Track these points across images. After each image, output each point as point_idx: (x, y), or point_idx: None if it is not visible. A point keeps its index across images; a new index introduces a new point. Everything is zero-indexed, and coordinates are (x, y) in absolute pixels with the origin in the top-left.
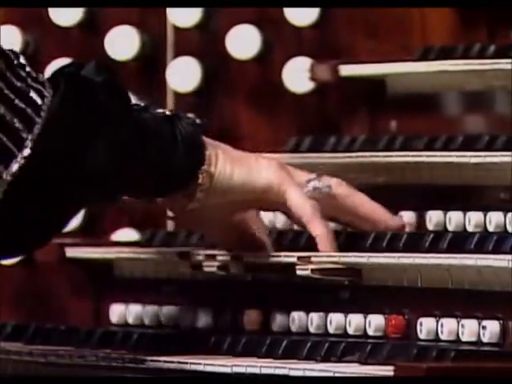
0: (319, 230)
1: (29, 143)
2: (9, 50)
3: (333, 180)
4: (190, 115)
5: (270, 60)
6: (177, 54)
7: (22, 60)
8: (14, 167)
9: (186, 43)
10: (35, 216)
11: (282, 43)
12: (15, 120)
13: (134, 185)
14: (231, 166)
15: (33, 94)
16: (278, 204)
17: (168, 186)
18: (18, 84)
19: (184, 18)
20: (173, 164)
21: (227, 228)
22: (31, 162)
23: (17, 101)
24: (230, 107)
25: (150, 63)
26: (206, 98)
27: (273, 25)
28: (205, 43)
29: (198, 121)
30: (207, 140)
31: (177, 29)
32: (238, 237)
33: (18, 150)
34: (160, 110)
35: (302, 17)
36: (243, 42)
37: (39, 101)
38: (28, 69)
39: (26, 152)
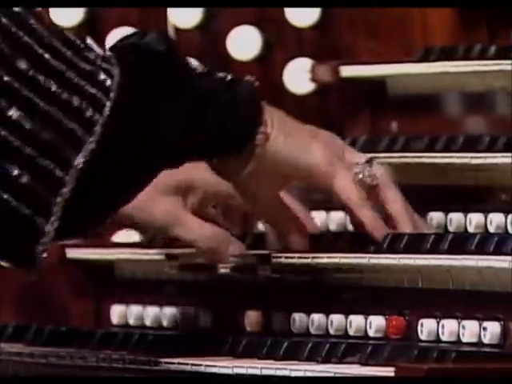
0: (366, 215)
1: (98, 127)
2: (74, 36)
3: (380, 170)
4: (249, 78)
5: (270, 61)
6: None
7: (89, 41)
8: (85, 151)
9: (187, 44)
10: (106, 195)
11: (282, 44)
12: (86, 107)
13: (197, 149)
14: (285, 134)
15: (102, 76)
16: (323, 185)
17: (228, 146)
18: (88, 68)
19: (184, 18)
20: (233, 126)
21: (269, 201)
22: (101, 144)
23: (87, 87)
24: None
25: None
26: None
27: (273, 26)
28: (205, 44)
29: (256, 83)
30: (264, 105)
31: (177, 30)
32: (278, 213)
33: (89, 135)
34: (221, 74)
35: (302, 18)
36: (244, 42)
37: (108, 81)
38: (96, 48)
39: (96, 136)
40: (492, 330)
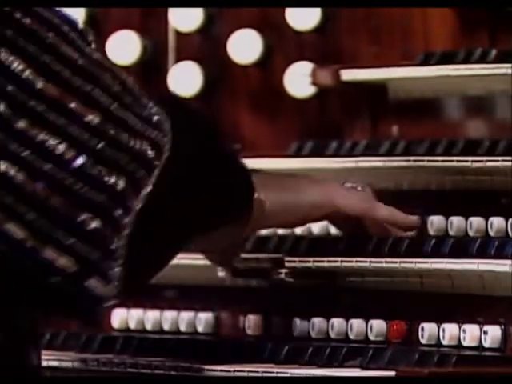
0: (385, 212)
1: (157, 170)
2: (130, 82)
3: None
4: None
5: (271, 65)
6: (178, 59)
7: (138, 90)
8: (144, 194)
9: (188, 48)
10: (164, 244)
11: (283, 48)
12: (146, 149)
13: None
14: (277, 192)
15: (157, 119)
16: (333, 213)
17: (228, 217)
18: (144, 113)
19: (185, 22)
20: (233, 197)
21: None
22: (158, 188)
23: (148, 131)
24: (231, 112)
25: (152, 68)
26: (208, 103)
27: (274, 29)
28: (206, 48)
29: (237, 150)
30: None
31: (178, 33)
32: None
33: (149, 177)
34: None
35: (303, 21)
36: (245, 46)
37: (165, 126)
38: (146, 97)
39: (155, 179)
40: (493, 333)
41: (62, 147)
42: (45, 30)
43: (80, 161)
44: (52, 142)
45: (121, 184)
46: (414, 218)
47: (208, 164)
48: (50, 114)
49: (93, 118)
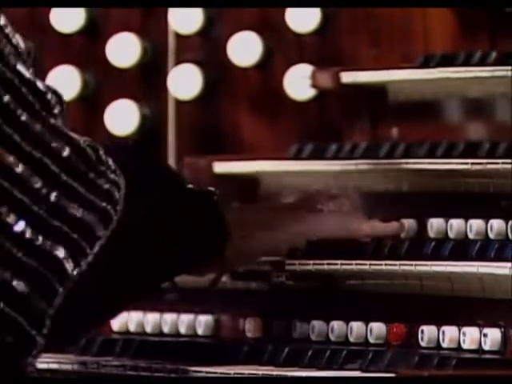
0: (365, 226)
1: (101, 241)
2: (88, 146)
3: (335, 201)
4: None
5: (271, 67)
6: (178, 61)
7: (102, 153)
8: (84, 264)
9: (188, 50)
10: (94, 309)
11: (283, 50)
12: (96, 221)
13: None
14: (255, 231)
15: (112, 189)
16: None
17: (204, 261)
18: (99, 181)
19: (185, 24)
20: (207, 242)
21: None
22: (98, 257)
23: (98, 202)
24: (231, 114)
25: (152, 70)
26: (208, 105)
27: (274, 32)
28: (206, 50)
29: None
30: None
31: (178, 35)
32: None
33: (90, 248)
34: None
35: (303, 24)
36: (245, 48)
37: (116, 194)
38: (106, 160)
39: (96, 249)
40: (492, 336)
41: (3, 210)
42: (3, 91)
43: (20, 226)
44: None
45: (59, 252)
46: (393, 225)
47: (172, 223)
48: None
49: (39, 185)
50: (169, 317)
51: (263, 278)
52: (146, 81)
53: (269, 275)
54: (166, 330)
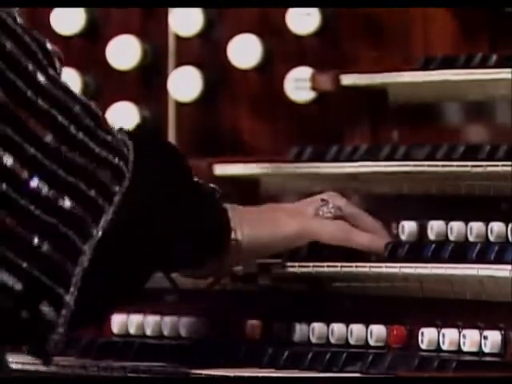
0: (363, 239)
1: (118, 197)
2: (93, 107)
3: (340, 201)
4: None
5: (271, 69)
6: (178, 64)
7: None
8: (104, 222)
9: (188, 52)
10: (122, 276)
11: (283, 52)
12: (108, 177)
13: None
14: (252, 225)
15: (122, 147)
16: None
17: (204, 257)
18: (108, 138)
19: (185, 26)
20: (208, 238)
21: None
22: (119, 215)
23: (109, 157)
24: (231, 116)
25: (152, 72)
26: (208, 108)
27: (274, 34)
28: (206, 52)
29: (214, 188)
30: (227, 211)
31: (178, 38)
32: None
33: (109, 204)
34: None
35: (303, 26)
36: (245, 51)
37: (128, 153)
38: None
39: (115, 206)
40: (493, 339)
41: (17, 167)
42: (4, 37)
43: (35, 182)
44: (7, 160)
45: (78, 210)
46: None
47: (177, 198)
48: (5, 128)
49: (49, 138)
50: (169, 319)
51: (250, 280)
52: (146, 83)
53: (255, 277)
54: (166, 332)
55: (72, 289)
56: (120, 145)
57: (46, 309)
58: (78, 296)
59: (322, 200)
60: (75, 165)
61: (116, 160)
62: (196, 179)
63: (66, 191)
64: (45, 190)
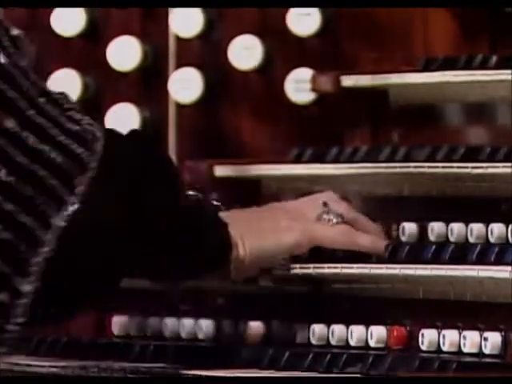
0: (366, 242)
1: (82, 188)
2: (59, 94)
3: (340, 206)
4: (215, 201)
5: (271, 70)
6: (179, 65)
7: (72, 101)
8: (67, 212)
9: (188, 54)
10: (89, 272)
11: (283, 54)
12: (71, 165)
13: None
14: (253, 237)
15: (88, 136)
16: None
17: (203, 270)
18: (74, 127)
19: (186, 28)
20: (206, 251)
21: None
22: (84, 207)
23: (73, 146)
24: (231, 118)
25: (152, 74)
26: (208, 109)
27: (275, 35)
28: (207, 54)
29: (217, 204)
30: (228, 224)
31: (179, 39)
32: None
33: (70, 193)
34: (191, 193)
35: (303, 27)
36: (245, 52)
37: (94, 143)
38: (78, 112)
39: (80, 197)
40: (493, 340)
41: None
42: None
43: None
44: None
45: (39, 198)
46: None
47: (154, 203)
48: None
49: (11, 124)
50: (169, 321)
51: (249, 280)
52: (146, 84)
53: (255, 278)
54: (166, 334)
55: (32, 278)
56: (87, 135)
57: (3, 297)
58: (39, 286)
59: (324, 204)
60: (36, 151)
61: (80, 149)
62: (196, 193)
63: (25, 178)
64: (4, 176)
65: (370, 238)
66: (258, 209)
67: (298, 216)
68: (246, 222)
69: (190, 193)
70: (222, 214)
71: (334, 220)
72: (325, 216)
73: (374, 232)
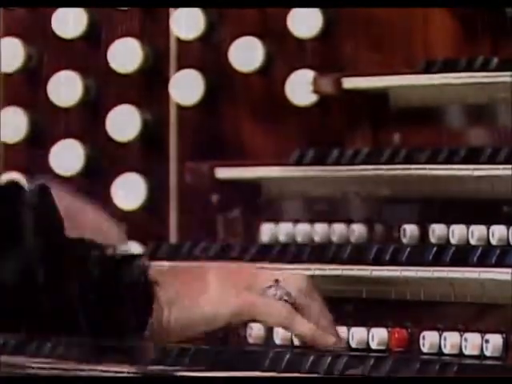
0: (305, 329)
1: None
2: None
3: (294, 285)
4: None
5: (272, 72)
6: (180, 67)
7: None
8: None
9: (189, 55)
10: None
11: (284, 55)
12: None
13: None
14: (183, 312)
15: None
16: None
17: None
18: None
19: (187, 30)
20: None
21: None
22: None
23: None
24: (233, 120)
25: (153, 76)
26: (209, 111)
27: (276, 37)
28: (208, 56)
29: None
30: (163, 278)
31: (180, 41)
32: None
33: None
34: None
35: (304, 29)
36: (246, 54)
37: None
38: None
39: None
40: (494, 342)
41: None
42: None
43: None
44: None
45: None
46: (333, 340)
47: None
48: None
49: None
50: None
51: None
52: (147, 86)
53: None
54: None
55: None
56: None
57: None
58: None
59: (276, 281)
60: None
61: None
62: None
63: None
64: None
65: (310, 328)
66: (202, 269)
67: (243, 284)
68: (181, 285)
69: (124, 248)
70: (157, 272)
71: (278, 297)
72: (271, 291)
73: (323, 325)
